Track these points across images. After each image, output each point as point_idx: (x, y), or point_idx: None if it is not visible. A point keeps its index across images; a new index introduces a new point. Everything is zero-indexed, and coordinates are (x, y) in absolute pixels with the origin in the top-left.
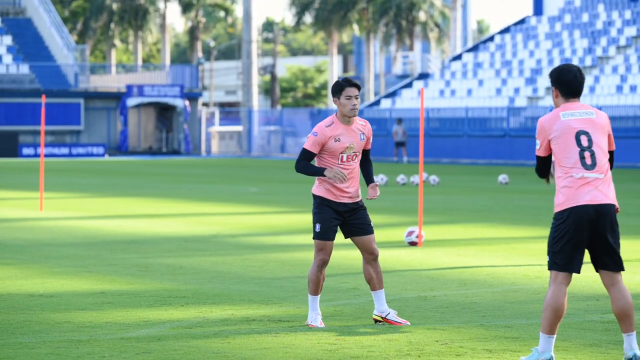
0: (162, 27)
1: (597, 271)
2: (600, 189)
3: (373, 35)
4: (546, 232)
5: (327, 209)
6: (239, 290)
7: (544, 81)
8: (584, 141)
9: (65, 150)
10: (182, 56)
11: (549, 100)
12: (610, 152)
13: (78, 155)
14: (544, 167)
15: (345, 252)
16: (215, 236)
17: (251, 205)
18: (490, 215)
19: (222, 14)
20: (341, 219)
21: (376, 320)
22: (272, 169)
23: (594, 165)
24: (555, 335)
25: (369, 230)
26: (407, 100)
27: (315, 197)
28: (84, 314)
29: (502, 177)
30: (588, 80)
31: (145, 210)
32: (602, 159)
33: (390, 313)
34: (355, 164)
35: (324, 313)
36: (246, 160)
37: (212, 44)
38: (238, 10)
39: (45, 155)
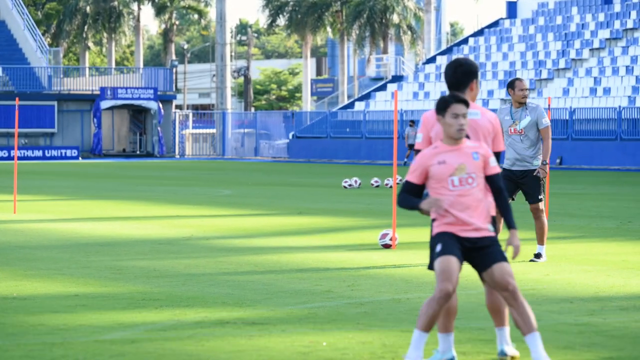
0: (136, 29)
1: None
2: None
3: (347, 37)
4: (520, 234)
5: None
6: (213, 293)
7: None
8: None
9: (38, 153)
10: (155, 59)
11: None
12: (496, 153)
13: (52, 157)
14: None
15: (319, 255)
16: (188, 239)
17: (224, 207)
18: None
19: (195, 16)
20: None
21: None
22: (245, 172)
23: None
24: (452, 333)
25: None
26: (381, 103)
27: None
28: (57, 317)
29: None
30: (561, 83)
31: (118, 212)
32: None
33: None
34: (471, 191)
35: (298, 315)
36: (220, 163)
37: (185, 46)
38: (212, 13)
39: (19, 158)
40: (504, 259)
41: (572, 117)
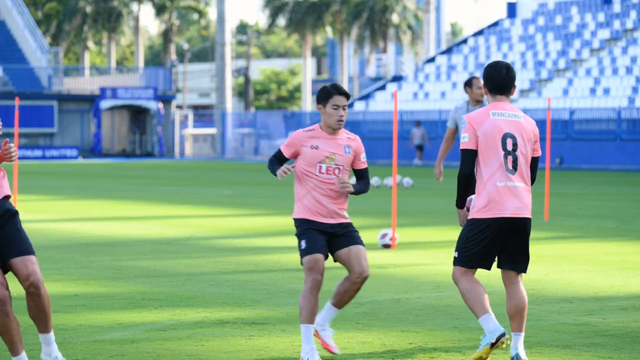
0: (136, 29)
1: (499, 267)
2: (522, 199)
3: (347, 37)
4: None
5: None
6: (213, 293)
7: (518, 83)
8: (509, 145)
9: (38, 153)
10: (155, 59)
11: (522, 103)
12: (535, 159)
13: (51, 157)
14: (473, 162)
15: None
16: (188, 239)
17: (225, 207)
18: None
19: (195, 16)
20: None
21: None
22: (245, 172)
23: (514, 170)
24: (491, 313)
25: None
26: (381, 103)
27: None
28: (57, 317)
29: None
30: (561, 83)
31: (118, 212)
32: (524, 164)
33: (327, 331)
34: (338, 185)
35: (298, 315)
36: (220, 163)
37: (185, 46)
38: (212, 13)
39: (19, 158)
40: (361, 243)
41: (571, 117)
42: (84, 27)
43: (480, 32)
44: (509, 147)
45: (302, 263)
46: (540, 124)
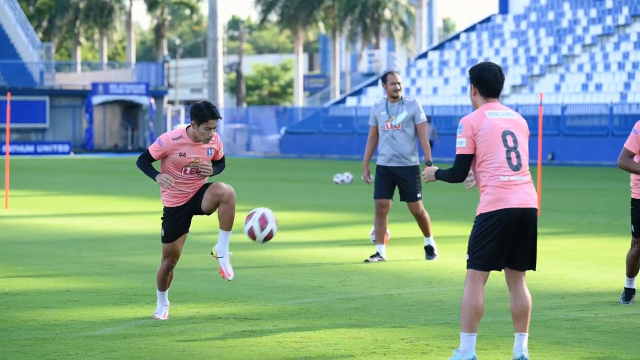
0: (128, 24)
1: (504, 268)
2: (527, 191)
3: (339, 33)
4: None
5: (171, 217)
6: (205, 288)
7: (510, 79)
8: (510, 141)
9: (30, 148)
10: (147, 54)
11: (514, 99)
12: None
13: (43, 153)
14: (467, 166)
15: (310, 250)
16: None
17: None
18: (455, 213)
19: (187, 11)
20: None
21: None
22: (237, 167)
23: (519, 166)
24: (476, 334)
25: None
26: (373, 99)
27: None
28: (49, 312)
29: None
30: (553, 79)
31: (110, 208)
32: (525, 159)
33: (225, 256)
34: (199, 177)
35: (289, 311)
36: None
37: (177, 41)
38: (204, 8)
39: (11, 153)
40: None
41: (563, 113)
42: (76, 22)
43: (472, 28)
44: (510, 144)
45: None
46: (532, 119)
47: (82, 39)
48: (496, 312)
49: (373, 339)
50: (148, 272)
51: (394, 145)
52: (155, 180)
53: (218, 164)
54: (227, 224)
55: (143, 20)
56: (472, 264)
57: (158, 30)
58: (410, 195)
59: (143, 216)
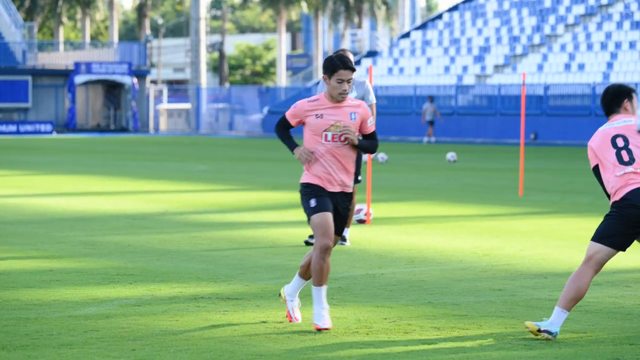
0: (110, 4)
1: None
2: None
3: (321, 12)
4: (494, 210)
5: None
6: (188, 268)
7: (492, 59)
8: (620, 142)
9: (12, 128)
10: (130, 34)
11: (497, 78)
12: None
13: (26, 132)
14: (599, 177)
15: (293, 230)
16: (163, 214)
17: (199, 183)
18: (439, 193)
19: None
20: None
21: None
22: (220, 147)
23: (632, 160)
24: (568, 313)
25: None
26: (355, 78)
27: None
28: (32, 292)
29: (451, 155)
30: (536, 59)
31: (93, 188)
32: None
33: (294, 301)
34: (345, 151)
35: (272, 290)
36: (194, 138)
37: (160, 21)
38: None
39: None
40: (340, 232)
41: (546, 92)
42: (58, 1)
43: (455, 8)
44: (620, 144)
45: (309, 222)
46: (515, 99)
47: (65, 19)
48: (478, 292)
49: (356, 319)
50: (131, 252)
51: None
52: (294, 154)
53: (367, 139)
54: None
55: None
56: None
57: (140, 10)
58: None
59: (125, 196)
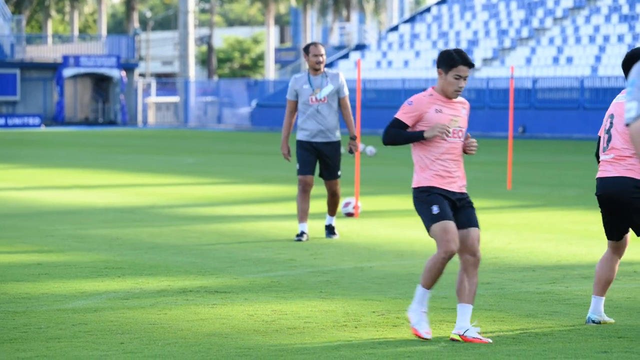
0: None
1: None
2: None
3: (310, 6)
4: (483, 203)
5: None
6: (176, 261)
7: (481, 52)
8: (607, 124)
9: (1, 121)
10: (118, 27)
11: (485, 72)
12: None
13: (14, 125)
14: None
15: (282, 223)
16: (151, 207)
17: (188, 176)
18: None
19: None
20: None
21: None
22: (208, 140)
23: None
24: (603, 298)
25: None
26: (344, 71)
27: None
28: (20, 286)
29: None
30: (524, 52)
31: (81, 181)
32: (619, 141)
33: (469, 329)
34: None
35: (261, 284)
36: (183, 131)
37: (148, 14)
38: None
39: None
40: (477, 225)
41: (534, 86)
42: None
43: (443, 1)
44: (607, 127)
45: (429, 230)
46: (503, 92)
47: (53, 12)
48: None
49: (344, 312)
50: (119, 245)
51: (319, 120)
52: (425, 138)
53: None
54: (468, 297)
55: None
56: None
57: (129, 3)
58: (333, 173)
59: (114, 189)
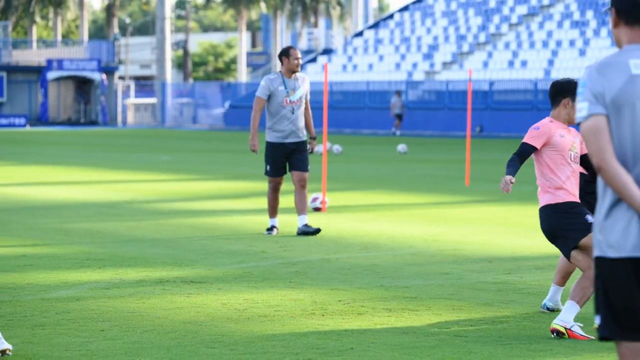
0: (81, 4)
1: None
2: None
3: (280, 12)
4: (443, 198)
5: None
6: (154, 253)
7: (441, 56)
8: None
9: None
10: (99, 32)
11: (445, 75)
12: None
13: (1, 125)
14: None
15: (253, 217)
16: (130, 202)
17: (164, 173)
18: (390, 183)
19: None
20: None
21: (558, 332)
22: (184, 139)
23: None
24: (562, 288)
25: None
26: (312, 75)
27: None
28: (6, 276)
29: (401, 147)
30: (481, 56)
31: (64, 177)
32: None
33: (574, 326)
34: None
35: (234, 274)
36: (160, 131)
37: (127, 20)
38: None
39: None
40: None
41: (491, 88)
42: (31, 2)
43: (405, 8)
44: None
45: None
46: (462, 94)
47: (38, 18)
48: (427, 276)
49: (312, 301)
50: (100, 238)
51: (293, 121)
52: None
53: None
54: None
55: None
56: None
57: (109, 10)
58: (304, 166)
59: (95, 185)
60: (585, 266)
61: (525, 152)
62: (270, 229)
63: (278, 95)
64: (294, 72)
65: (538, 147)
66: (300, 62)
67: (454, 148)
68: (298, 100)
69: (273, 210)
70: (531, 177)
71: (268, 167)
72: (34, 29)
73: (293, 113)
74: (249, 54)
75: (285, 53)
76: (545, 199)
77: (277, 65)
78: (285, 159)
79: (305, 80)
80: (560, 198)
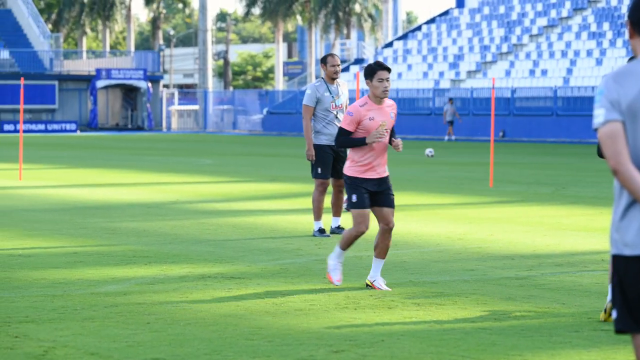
0: (128, 17)
1: None
2: None
3: (314, 24)
4: (467, 199)
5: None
6: (196, 251)
7: (466, 65)
8: None
9: (41, 127)
10: (145, 43)
11: (469, 83)
12: None
13: (53, 131)
14: None
15: (289, 217)
16: (174, 203)
17: (206, 175)
18: (418, 185)
19: (180, 5)
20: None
21: (367, 285)
22: (224, 144)
23: None
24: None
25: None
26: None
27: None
28: (58, 272)
29: (429, 151)
30: (504, 65)
31: (112, 179)
32: None
33: (377, 280)
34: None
35: (271, 270)
36: (202, 136)
37: (171, 32)
38: (194, 3)
39: (24, 131)
40: (392, 205)
41: (513, 95)
42: (81, 15)
43: (432, 20)
44: None
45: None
46: (485, 101)
47: (87, 30)
48: (453, 272)
49: (345, 296)
50: (146, 236)
51: (338, 125)
52: (367, 144)
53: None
54: (383, 253)
55: (141, 13)
56: None
57: (154, 22)
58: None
59: (141, 187)
60: None
61: None
62: (322, 231)
63: (324, 101)
64: (333, 79)
65: None
66: (338, 69)
67: (478, 151)
68: (342, 104)
69: (320, 212)
70: (551, 180)
71: (319, 169)
72: (84, 41)
73: (337, 117)
74: (286, 64)
75: (324, 60)
76: None
77: (312, 73)
78: (333, 161)
79: (345, 86)
80: None
